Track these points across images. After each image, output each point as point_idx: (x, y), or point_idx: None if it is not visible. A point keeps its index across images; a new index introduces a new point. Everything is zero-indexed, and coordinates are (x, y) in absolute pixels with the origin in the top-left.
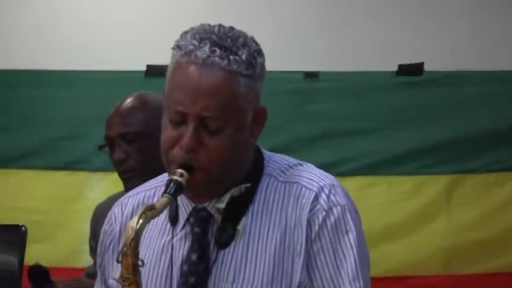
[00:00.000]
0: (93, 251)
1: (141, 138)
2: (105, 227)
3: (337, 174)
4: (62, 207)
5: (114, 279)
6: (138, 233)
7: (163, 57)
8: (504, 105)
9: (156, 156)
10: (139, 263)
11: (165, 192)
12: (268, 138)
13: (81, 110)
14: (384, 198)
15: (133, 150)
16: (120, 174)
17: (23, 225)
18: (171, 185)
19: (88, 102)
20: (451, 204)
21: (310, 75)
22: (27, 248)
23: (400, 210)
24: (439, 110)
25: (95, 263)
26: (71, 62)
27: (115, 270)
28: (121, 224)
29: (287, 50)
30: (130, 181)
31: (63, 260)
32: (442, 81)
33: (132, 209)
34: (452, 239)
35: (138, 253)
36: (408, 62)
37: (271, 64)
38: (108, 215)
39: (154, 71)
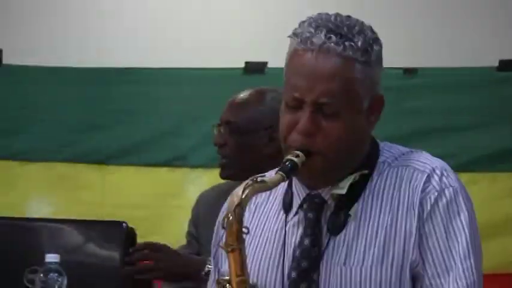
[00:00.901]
0: (189, 235)
1: (243, 132)
2: (219, 217)
3: None
4: (163, 203)
5: (219, 245)
6: (243, 201)
7: (262, 54)
8: None
9: (254, 153)
10: (244, 230)
11: (279, 170)
12: None
13: (181, 107)
14: (486, 195)
15: (232, 140)
16: (220, 158)
17: (124, 222)
18: (287, 163)
19: (188, 100)
20: None
21: (410, 71)
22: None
23: (503, 207)
24: None
25: (187, 246)
26: (171, 60)
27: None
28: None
29: (386, 46)
30: (224, 169)
31: None
32: None
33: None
34: None
35: (242, 220)
36: (509, 57)
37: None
38: (224, 206)
39: (252, 68)
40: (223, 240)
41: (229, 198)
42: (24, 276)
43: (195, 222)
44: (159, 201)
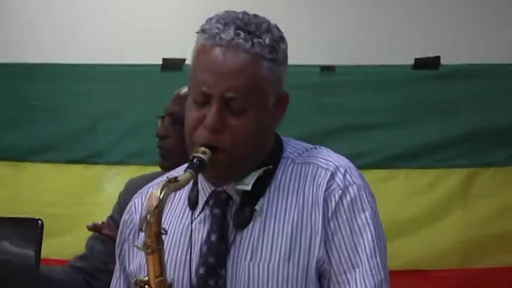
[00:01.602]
0: (112, 219)
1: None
2: (124, 217)
3: None
4: (79, 200)
5: (137, 246)
6: (161, 202)
7: (180, 50)
8: None
9: None
10: (162, 231)
11: (188, 168)
12: (286, 131)
13: (98, 104)
14: (401, 192)
15: (174, 131)
16: (159, 150)
17: (39, 219)
18: (194, 161)
19: (105, 96)
20: (468, 198)
21: (327, 69)
22: (44, 241)
23: (417, 204)
24: (456, 104)
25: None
26: (87, 56)
27: (135, 258)
28: (141, 214)
29: (304, 44)
30: (165, 159)
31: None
32: (458, 75)
33: None
34: (469, 233)
35: (161, 221)
36: (425, 56)
37: (288, 58)
38: (129, 206)
39: (170, 65)
40: (142, 241)
41: (146, 200)
42: None
43: (121, 208)
44: (75, 199)
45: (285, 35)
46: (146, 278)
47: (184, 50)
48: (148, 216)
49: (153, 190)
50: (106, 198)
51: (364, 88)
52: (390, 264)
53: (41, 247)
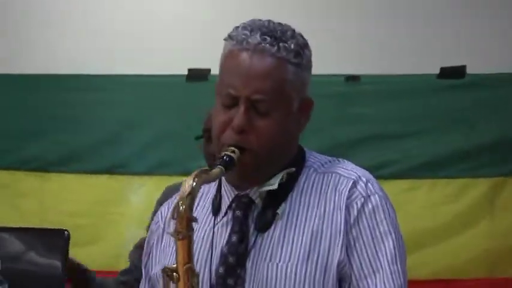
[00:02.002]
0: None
1: None
2: (152, 226)
3: (379, 177)
4: (104, 210)
5: (168, 232)
6: (194, 189)
7: (205, 61)
8: None
9: None
10: (193, 219)
11: (218, 164)
12: (310, 141)
13: (123, 114)
14: (426, 202)
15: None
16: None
17: (66, 230)
18: (225, 157)
19: (130, 106)
20: (495, 207)
21: (352, 78)
22: (70, 251)
23: (442, 214)
24: (482, 113)
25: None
26: (113, 67)
27: (158, 263)
28: (166, 224)
29: (328, 54)
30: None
31: (106, 263)
32: (484, 84)
33: None
34: (494, 243)
35: (193, 208)
36: (450, 65)
37: (313, 67)
38: (156, 215)
39: (195, 75)
40: (173, 227)
41: (181, 188)
42: None
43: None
44: (99, 209)
45: (309, 44)
46: (175, 266)
47: (210, 60)
48: (181, 202)
49: (186, 179)
50: (130, 208)
51: (389, 98)
52: (416, 274)
53: (67, 257)
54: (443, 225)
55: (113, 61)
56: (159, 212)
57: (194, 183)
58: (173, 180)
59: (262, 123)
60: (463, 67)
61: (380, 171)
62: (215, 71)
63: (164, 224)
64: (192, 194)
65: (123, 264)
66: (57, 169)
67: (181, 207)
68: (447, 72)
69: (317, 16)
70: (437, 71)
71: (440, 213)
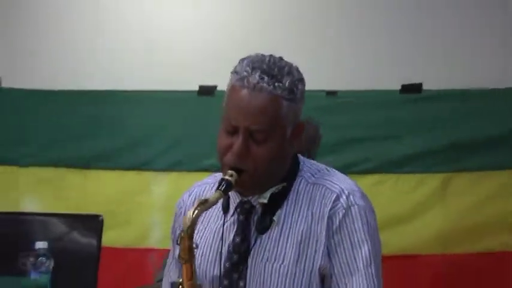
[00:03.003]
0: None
1: None
2: (176, 211)
3: (354, 173)
4: (132, 199)
5: (175, 257)
6: (193, 222)
7: (213, 78)
8: (484, 118)
9: None
10: (194, 246)
11: (217, 188)
12: None
13: (148, 121)
14: (392, 192)
15: None
16: None
17: (100, 215)
18: (223, 183)
19: (154, 115)
20: (446, 196)
21: (331, 93)
22: (104, 233)
23: (406, 201)
24: (436, 122)
25: None
26: (140, 83)
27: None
28: (186, 207)
29: (313, 73)
30: None
31: (134, 242)
32: (438, 98)
33: (195, 197)
34: (447, 225)
35: (193, 238)
36: (410, 82)
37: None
38: (178, 201)
39: (204, 91)
40: (178, 253)
41: (183, 218)
42: (18, 260)
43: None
44: (129, 198)
45: (297, 65)
46: (181, 280)
47: (216, 77)
48: (183, 234)
49: (188, 211)
50: (153, 198)
51: (361, 109)
52: (386, 250)
53: (101, 238)
54: (406, 211)
55: (141, 79)
56: (180, 200)
57: (194, 216)
58: (189, 176)
59: (258, 150)
60: (420, 84)
61: (353, 168)
62: (221, 87)
63: (184, 209)
64: (192, 226)
65: (148, 242)
66: (96, 166)
67: (184, 236)
68: (407, 88)
69: (304, 41)
70: (399, 87)
71: (403, 201)
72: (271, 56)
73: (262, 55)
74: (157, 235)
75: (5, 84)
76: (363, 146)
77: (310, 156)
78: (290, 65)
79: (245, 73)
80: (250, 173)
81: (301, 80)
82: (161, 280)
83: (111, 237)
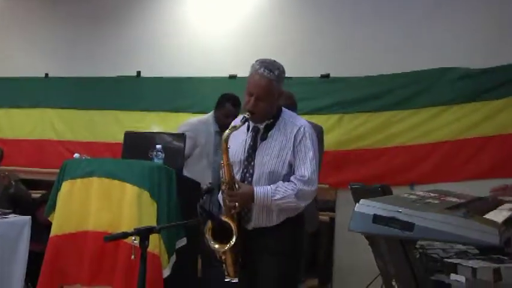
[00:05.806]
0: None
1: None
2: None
3: (321, 114)
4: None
5: (220, 163)
6: (227, 137)
7: (235, 70)
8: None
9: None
10: (228, 146)
11: (241, 120)
12: (303, 105)
13: (201, 93)
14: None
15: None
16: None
17: (183, 134)
18: (243, 118)
19: (202, 93)
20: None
21: (325, 76)
22: None
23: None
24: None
25: None
26: (192, 70)
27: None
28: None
29: (309, 60)
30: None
31: None
32: (341, 84)
33: (233, 124)
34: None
35: (228, 151)
36: (326, 72)
37: (300, 70)
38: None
39: (231, 77)
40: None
41: (223, 134)
42: (148, 153)
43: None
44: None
45: (299, 55)
46: (222, 162)
47: (237, 68)
48: (223, 145)
49: (226, 131)
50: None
51: (347, 89)
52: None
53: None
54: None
55: (190, 67)
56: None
57: (229, 132)
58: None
59: (260, 104)
60: (328, 74)
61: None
62: (240, 75)
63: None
64: (226, 141)
65: None
66: (184, 111)
67: (223, 144)
68: (324, 77)
69: (303, 42)
70: (319, 75)
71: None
72: (269, 59)
73: (265, 58)
74: None
75: (143, 75)
76: (346, 112)
77: (289, 108)
78: (279, 65)
79: (257, 67)
80: (257, 114)
81: (283, 71)
82: None
83: None
